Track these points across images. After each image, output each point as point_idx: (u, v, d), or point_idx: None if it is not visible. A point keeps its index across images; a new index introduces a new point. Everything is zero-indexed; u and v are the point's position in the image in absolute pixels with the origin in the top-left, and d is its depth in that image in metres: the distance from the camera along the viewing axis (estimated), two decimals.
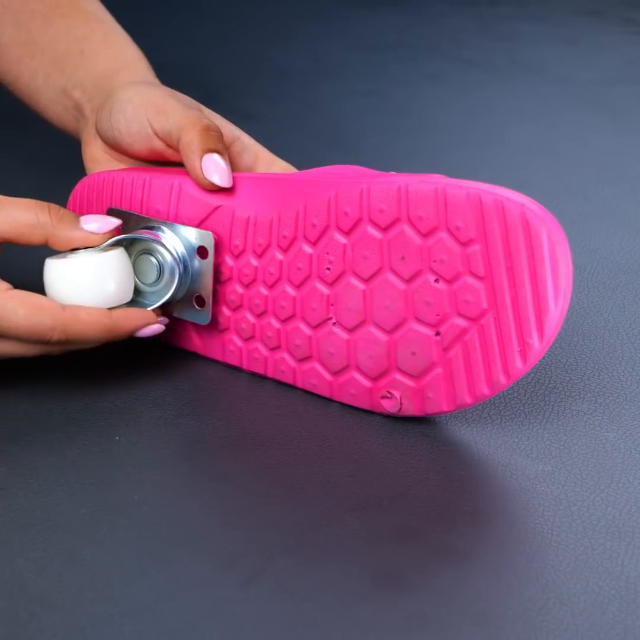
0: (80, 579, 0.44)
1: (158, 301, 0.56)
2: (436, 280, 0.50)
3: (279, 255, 0.54)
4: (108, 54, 0.64)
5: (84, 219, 0.53)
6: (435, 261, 0.50)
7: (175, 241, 0.56)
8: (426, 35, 1.23)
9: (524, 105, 1.03)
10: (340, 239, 0.52)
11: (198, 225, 0.56)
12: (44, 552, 0.45)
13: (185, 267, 0.55)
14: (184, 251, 0.55)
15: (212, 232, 0.55)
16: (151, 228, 0.56)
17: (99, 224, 0.53)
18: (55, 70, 0.65)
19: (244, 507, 0.48)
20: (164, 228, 0.56)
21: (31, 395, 0.55)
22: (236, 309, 0.56)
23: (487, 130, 0.97)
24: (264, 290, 0.55)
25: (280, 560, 0.45)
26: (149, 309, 0.55)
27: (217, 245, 0.55)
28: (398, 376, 0.52)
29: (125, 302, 0.55)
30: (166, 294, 0.55)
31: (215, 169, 0.54)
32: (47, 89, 0.66)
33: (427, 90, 1.06)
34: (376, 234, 0.51)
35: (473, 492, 0.49)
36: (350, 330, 0.53)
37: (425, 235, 0.50)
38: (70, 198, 0.62)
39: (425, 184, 0.49)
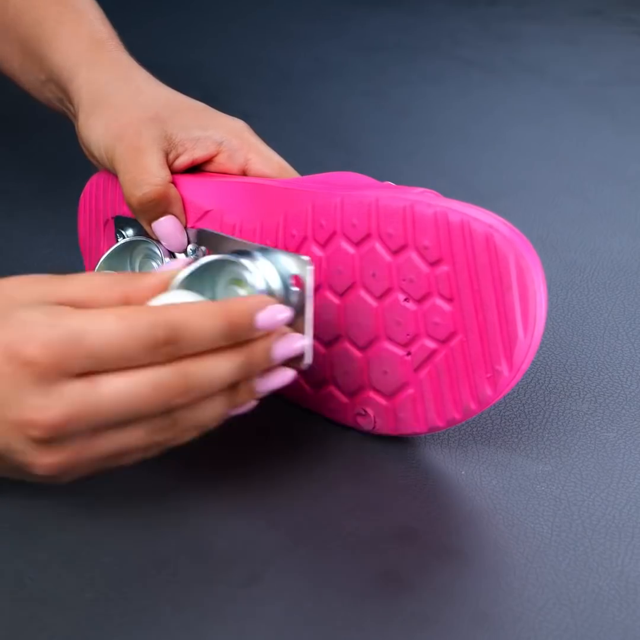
0: (80, 579, 0.44)
1: None
2: (406, 300, 0.48)
3: None
4: (61, 43, 0.61)
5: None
6: (404, 280, 0.48)
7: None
8: (426, 35, 1.23)
9: (524, 105, 1.03)
10: (317, 251, 0.51)
11: (191, 227, 0.55)
12: (44, 552, 0.45)
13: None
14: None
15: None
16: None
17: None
18: (26, 59, 0.63)
19: (244, 507, 0.48)
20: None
21: None
22: None
23: (487, 130, 0.97)
24: None
25: (280, 560, 0.45)
26: None
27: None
28: (372, 394, 0.51)
29: None
30: None
31: (165, 235, 0.55)
32: (24, 74, 0.64)
33: (427, 90, 1.06)
34: (349, 248, 0.50)
35: (473, 492, 0.49)
36: (327, 344, 0.52)
37: (394, 253, 0.48)
38: (82, 196, 0.62)
39: (394, 200, 0.48)
